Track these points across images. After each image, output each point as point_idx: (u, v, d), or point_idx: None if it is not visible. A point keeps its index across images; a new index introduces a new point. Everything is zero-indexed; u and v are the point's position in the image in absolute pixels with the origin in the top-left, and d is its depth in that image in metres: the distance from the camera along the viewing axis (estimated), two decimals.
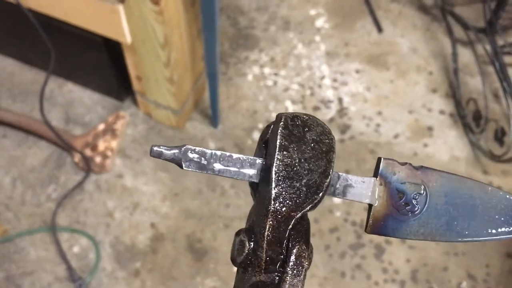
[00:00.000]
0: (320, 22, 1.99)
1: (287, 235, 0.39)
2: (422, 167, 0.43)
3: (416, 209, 0.42)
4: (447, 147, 1.72)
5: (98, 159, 1.62)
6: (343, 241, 1.55)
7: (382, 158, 0.43)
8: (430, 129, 1.75)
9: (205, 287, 1.48)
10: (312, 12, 2.01)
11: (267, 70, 1.86)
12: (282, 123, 0.41)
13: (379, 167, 0.43)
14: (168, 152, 0.42)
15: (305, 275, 0.40)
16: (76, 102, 1.78)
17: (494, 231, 0.43)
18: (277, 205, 0.39)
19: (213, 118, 1.70)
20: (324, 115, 1.76)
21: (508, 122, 1.58)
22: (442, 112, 1.78)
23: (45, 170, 1.65)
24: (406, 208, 0.42)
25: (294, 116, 0.42)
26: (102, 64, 1.63)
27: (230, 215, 1.57)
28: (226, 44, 1.91)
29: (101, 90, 1.78)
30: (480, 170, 1.67)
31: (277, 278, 0.40)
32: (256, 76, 1.84)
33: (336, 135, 1.68)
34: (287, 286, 0.39)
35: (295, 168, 0.40)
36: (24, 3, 1.38)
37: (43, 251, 1.52)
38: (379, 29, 1.97)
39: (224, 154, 0.42)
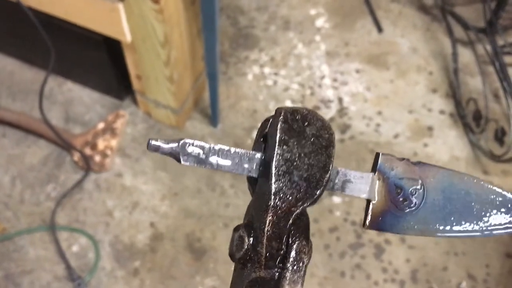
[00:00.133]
0: (320, 22, 1.99)
1: (287, 230, 0.39)
2: (419, 162, 0.43)
3: (413, 204, 0.42)
4: (447, 147, 1.71)
5: (97, 158, 1.62)
6: (343, 240, 1.55)
7: (380, 153, 0.43)
8: (430, 129, 1.75)
9: (204, 287, 1.48)
10: (312, 11, 2.01)
11: (267, 70, 1.86)
12: (281, 117, 0.40)
13: (377, 162, 0.42)
14: (165, 146, 0.41)
15: (305, 271, 0.39)
16: (75, 101, 1.78)
17: (490, 227, 0.43)
18: (277, 200, 0.39)
19: (213, 118, 1.70)
20: (324, 114, 1.76)
21: (508, 122, 1.58)
22: (442, 112, 1.78)
23: (45, 169, 1.64)
24: (404, 203, 0.42)
25: (294, 110, 0.41)
26: (102, 63, 1.63)
27: (230, 215, 1.57)
28: (226, 44, 1.91)
29: (101, 89, 1.78)
30: (480, 170, 1.67)
31: (277, 274, 0.39)
32: (256, 76, 1.84)
33: (336, 135, 1.68)
34: (287, 282, 0.39)
35: (295, 163, 0.39)
36: (24, 2, 1.38)
37: (42, 250, 1.52)
38: (379, 29, 1.96)
39: (223, 148, 0.42)
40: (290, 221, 0.39)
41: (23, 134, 1.69)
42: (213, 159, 0.42)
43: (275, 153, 0.39)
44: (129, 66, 1.58)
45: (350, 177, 0.42)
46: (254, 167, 0.42)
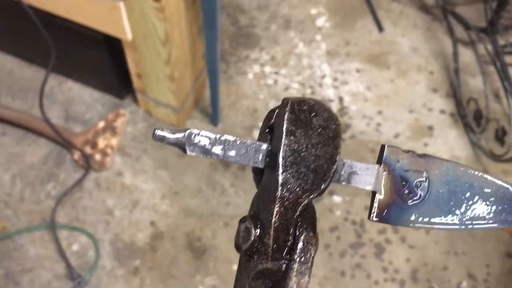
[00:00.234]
0: (321, 21, 1.99)
1: (294, 222, 0.39)
2: (425, 155, 0.43)
3: (418, 197, 0.42)
4: (448, 147, 1.71)
5: (97, 157, 1.62)
6: (343, 240, 1.54)
7: (386, 145, 0.42)
8: (430, 128, 1.75)
9: (204, 286, 1.48)
10: (313, 11, 2.01)
11: (267, 69, 1.86)
12: (289, 107, 0.40)
13: (383, 154, 0.42)
14: (171, 136, 0.41)
15: (312, 263, 0.39)
16: (76, 99, 1.77)
17: (492, 219, 0.43)
18: (284, 191, 0.38)
19: (213, 117, 1.70)
20: None
21: (509, 121, 1.58)
22: (442, 111, 1.78)
23: (45, 167, 1.64)
24: (409, 195, 0.42)
25: (301, 101, 0.41)
26: (102, 61, 1.63)
27: (230, 214, 1.57)
28: (226, 43, 1.91)
29: (101, 88, 1.77)
30: (481, 170, 1.66)
31: (284, 265, 0.39)
32: (256, 75, 1.84)
33: None
34: (294, 273, 0.38)
35: (302, 154, 0.39)
36: (24, 0, 1.38)
37: (42, 249, 1.51)
38: (380, 29, 1.96)
39: (229, 139, 0.41)
40: (297, 212, 0.38)
41: (23, 133, 1.69)
42: (219, 149, 0.41)
43: (282, 143, 0.39)
44: (129, 65, 1.58)
45: (356, 168, 0.42)
46: (260, 158, 0.42)
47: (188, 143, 0.41)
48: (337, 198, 1.60)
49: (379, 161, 0.42)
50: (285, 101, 0.41)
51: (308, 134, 0.40)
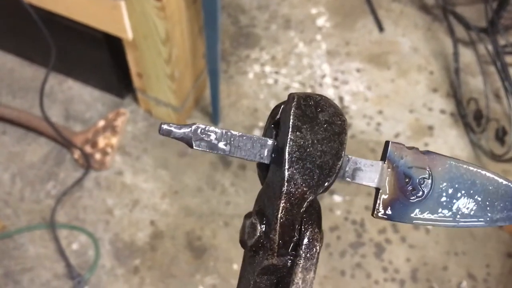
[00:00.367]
0: (321, 21, 1.99)
1: (300, 217, 0.38)
2: (428, 152, 0.43)
3: (421, 193, 0.42)
4: (448, 147, 1.71)
5: (98, 156, 1.62)
6: (343, 239, 1.54)
7: (390, 142, 0.42)
8: (430, 128, 1.75)
9: (204, 285, 1.48)
10: (313, 11, 2.01)
11: (268, 69, 1.86)
12: (295, 103, 0.40)
13: (387, 151, 0.42)
14: (178, 131, 0.41)
15: (318, 259, 0.39)
16: (76, 98, 1.77)
17: (494, 216, 0.43)
18: (290, 187, 0.38)
19: (213, 116, 1.70)
20: None
21: (509, 121, 1.58)
22: (443, 111, 1.78)
23: (45, 166, 1.64)
24: (412, 192, 0.42)
25: (307, 96, 0.40)
26: (102, 60, 1.63)
27: (230, 213, 1.57)
28: (227, 42, 1.91)
29: (102, 87, 1.77)
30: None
31: (290, 261, 0.39)
32: (257, 75, 1.84)
33: None
34: (300, 269, 0.38)
35: (308, 149, 0.39)
36: None
37: (42, 248, 1.51)
38: (380, 28, 1.96)
39: (235, 134, 0.41)
40: (303, 208, 0.38)
41: (23, 132, 1.69)
42: (225, 144, 0.41)
43: (289, 139, 0.39)
44: (130, 64, 1.58)
45: (361, 165, 0.42)
46: (266, 154, 0.41)
47: (194, 137, 0.41)
48: (337, 198, 1.60)
49: (383, 157, 0.42)
50: (291, 96, 0.41)
51: (314, 130, 0.39)
